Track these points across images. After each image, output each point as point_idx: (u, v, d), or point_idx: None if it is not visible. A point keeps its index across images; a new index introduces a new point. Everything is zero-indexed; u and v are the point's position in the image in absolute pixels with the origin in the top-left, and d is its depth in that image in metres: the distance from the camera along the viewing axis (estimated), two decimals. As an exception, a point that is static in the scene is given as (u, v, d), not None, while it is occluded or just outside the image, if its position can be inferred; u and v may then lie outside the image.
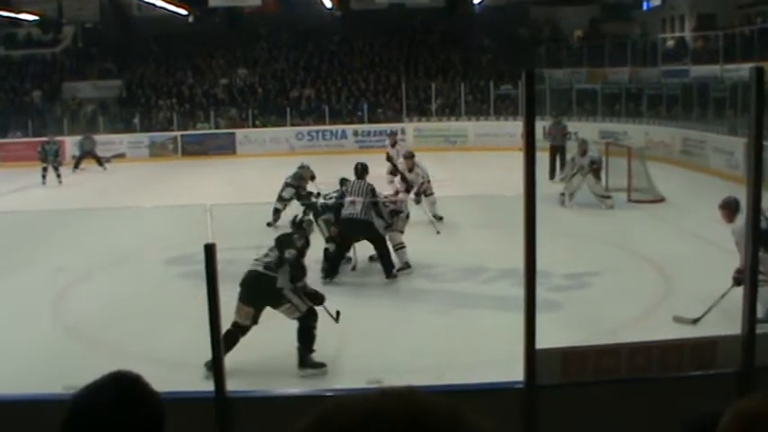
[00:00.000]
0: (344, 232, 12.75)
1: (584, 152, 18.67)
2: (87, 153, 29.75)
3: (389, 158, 18.48)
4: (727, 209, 10.13)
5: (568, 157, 20.60)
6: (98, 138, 31.97)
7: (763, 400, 1.43)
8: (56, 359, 9.18)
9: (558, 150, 22.92)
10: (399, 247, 12.90)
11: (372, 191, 13.09)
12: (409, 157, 17.16)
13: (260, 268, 9.37)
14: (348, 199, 12.85)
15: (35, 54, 39.14)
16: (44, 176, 25.55)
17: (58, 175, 25.61)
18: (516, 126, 26.55)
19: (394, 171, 17.59)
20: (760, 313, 10.30)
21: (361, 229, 12.74)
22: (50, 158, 25.82)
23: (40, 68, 38.54)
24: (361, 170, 13.79)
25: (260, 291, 9.20)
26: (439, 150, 29.58)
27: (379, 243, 12.66)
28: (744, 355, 5.03)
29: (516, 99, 32.02)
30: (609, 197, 18.37)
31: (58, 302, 11.81)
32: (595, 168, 18.37)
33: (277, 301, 9.22)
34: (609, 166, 19.95)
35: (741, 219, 9.10)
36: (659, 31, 35.83)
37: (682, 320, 9.67)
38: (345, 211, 12.78)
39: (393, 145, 20.26)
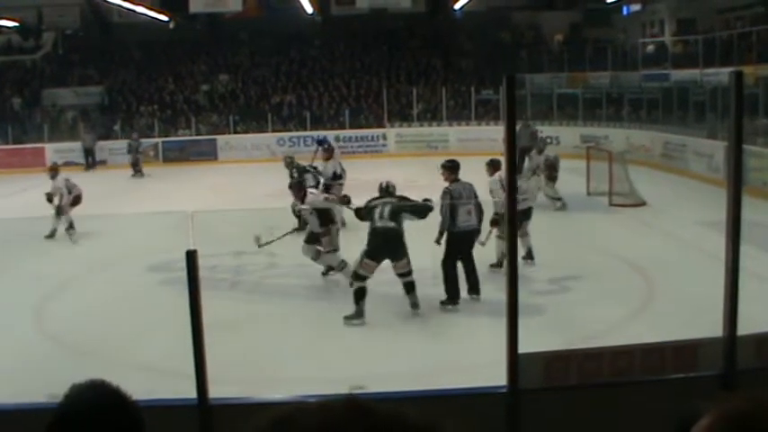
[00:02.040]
0: (460, 246, 11.47)
1: (540, 151, 18.82)
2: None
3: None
4: (492, 166, 13.27)
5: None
6: (77, 144, 32.11)
7: (749, 401, 1.43)
8: (38, 367, 9.12)
9: (525, 151, 23.32)
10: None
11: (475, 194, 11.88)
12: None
13: (392, 224, 10.13)
14: (465, 207, 11.48)
15: (15, 60, 38.90)
16: (137, 171, 29.04)
17: (141, 171, 28.13)
18: (498, 131, 26.56)
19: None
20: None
21: (472, 243, 11.70)
22: (133, 154, 29.25)
23: (20, 75, 38.32)
24: (456, 167, 12.13)
25: (393, 245, 10.22)
26: (420, 155, 29.63)
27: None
28: (725, 357, 5.05)
29: (497, 104, 32.09)
30: (559, 199, 18.42)
31: (39, 310, 11.75)
32: (549, 165, 18.42)
33: (402, 253, 10.54)
34: (590, 170, 20.04)
35: (497, 174, 12.82)
36: (639, 36, 36.00)
37: None
38: (462, 222, 11.43)
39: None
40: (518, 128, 24.07)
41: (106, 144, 33.24)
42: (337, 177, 17.52)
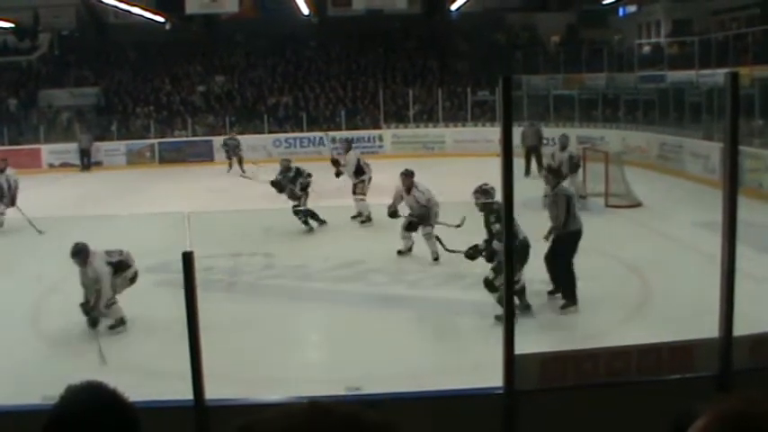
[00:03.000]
0: (574, 245, 11.24)
1: (563, 147, 18.87)
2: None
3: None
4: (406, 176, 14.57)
5: (549, 152, 20.98)
6: (74, 146, 32.12)
7: (744, 401, 1.43)
8: (33, 369, 9.12)
9: (532, 150, 24.16)
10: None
11: None
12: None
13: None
14: (575, 208, 11.48)
15: (11, 61, 38.80)
16: (230, 166, 28.58)
17: (243, 170, 27.27)
18: (494, 132, 26.59)
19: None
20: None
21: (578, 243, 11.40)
22: (232, 153, 28.82)
23: (16, 76, 38.23)
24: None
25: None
26: (416, 157, 29.61)
27: None
28: (721, 358, 5.06)
29: (494, 105, 32.14)
30: (584, 197, 18.48)
31: (35, 312, 11.74)
32: (575, 163, 18.54)
33: None
34: (586, 171, 20.05)
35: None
36: (635, 37, 36.03)
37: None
38: (576, 221, 11.31)
39: (1, 171, 19.19)
40: (524, 127, 24.83)
41: (102, 145, 33.19)
42: (361, 173, 18.10)
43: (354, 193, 18.00)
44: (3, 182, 18.55)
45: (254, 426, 1.26)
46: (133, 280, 11.20)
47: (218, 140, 33.16)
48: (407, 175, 14.49)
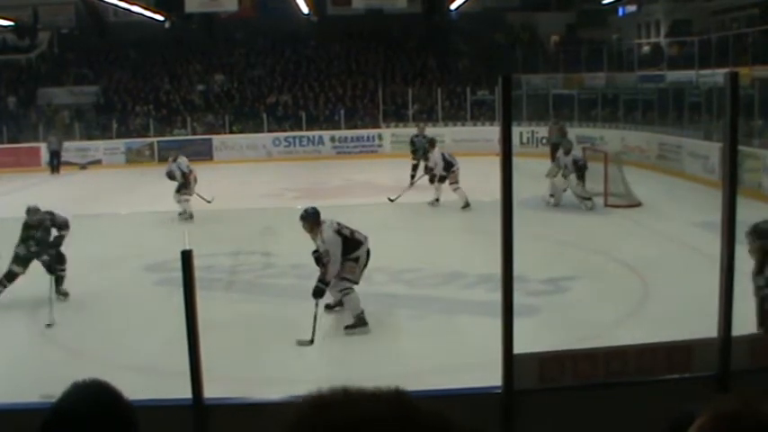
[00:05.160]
0: None
1: (567, 151, 18.90)
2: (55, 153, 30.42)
3: None
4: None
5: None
6: (73, 144, 32.09)
7: (742, 401, 1.44)
8: (32, 367, 9.12)
9: (556, 148, 24.30)
10: None
11: None
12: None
13: None
14: None
15: (10, 60, 38.81)
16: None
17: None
18: (493, 131, 26.60)
19: None
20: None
21: None
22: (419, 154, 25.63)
23: (16, 74, 38.24)
24: None
25: None
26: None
27: None
28: (720, 358, 5.06)
29: (493, 104, 32.13)
30: (589, 199, 18.52)
31: (34, 310, 11.73)
32: (580, 166, 18.57)
33: None
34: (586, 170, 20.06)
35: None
36: (635, 37, 36.04)
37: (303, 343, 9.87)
38: None
39: (174, 160, 19.66)
40: (549, 125, 25.73)
41: (102, 144, 33.22)
42: (450, 165, 19.19)
43: (450, 183, 19.11)
44: (175, 169, 18.84)
45: (331, 405, 1.22)
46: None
47: (217, 139, 33.19)
48: None
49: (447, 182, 19.18)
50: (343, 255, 10.29)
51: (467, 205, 18.75)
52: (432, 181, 19.59)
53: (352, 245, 10.41)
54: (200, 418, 4.82)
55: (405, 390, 1.26)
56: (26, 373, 8.73)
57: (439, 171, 19.27)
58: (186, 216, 18.48)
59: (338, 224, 10.52)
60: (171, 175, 18.91)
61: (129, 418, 2.07)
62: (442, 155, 19.53)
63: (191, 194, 18.82)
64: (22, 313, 11.52)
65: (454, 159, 19.35)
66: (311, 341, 9.85)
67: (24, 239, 12.11)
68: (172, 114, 35.36)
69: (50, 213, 12.33)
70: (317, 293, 10.17)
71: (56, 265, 12.05)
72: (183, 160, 19.16)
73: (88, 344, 10.22)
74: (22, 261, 12.05)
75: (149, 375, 8.53)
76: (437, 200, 19.45)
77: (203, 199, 18.84)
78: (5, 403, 5.45)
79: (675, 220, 16.81)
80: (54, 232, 12.29)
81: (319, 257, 10.47)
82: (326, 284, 10.29)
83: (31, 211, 12.24)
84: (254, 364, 9.35)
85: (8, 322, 11.12)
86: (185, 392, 4.87)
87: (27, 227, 12.17)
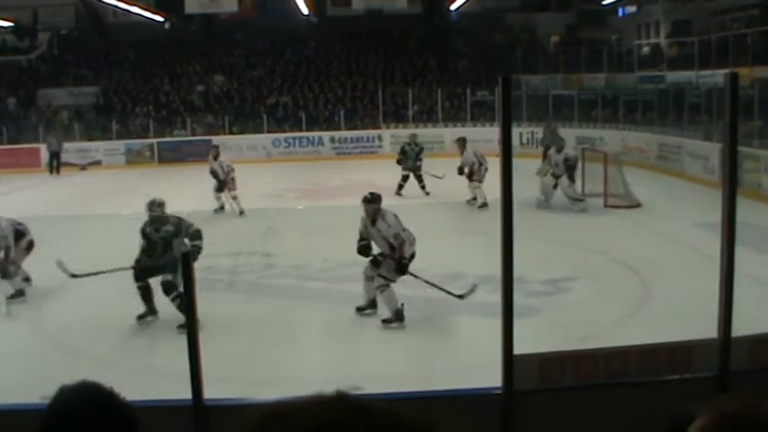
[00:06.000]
0: None
1: (560, 149, 18.89)
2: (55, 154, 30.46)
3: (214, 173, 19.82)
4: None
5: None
6: (73, 145, 32.09)
7: (743, 402, 1.44)
8: (33, 368, 9.11)
9: (548, 150, 24.67)
10: None
11: None
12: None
13: None
14: None
15: (10, 61, 38.83)
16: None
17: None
18: (493, 132, 26.59)
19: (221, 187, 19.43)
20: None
21: None
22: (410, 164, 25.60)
23: (15, 75, 38.26)
24: None
25: None
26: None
27: None
28: (720, 359, 5.06)
29: (493, 105, 32.15)
30: (581, 200, 18.52)
31: (35, 311, 11.73)
32: (570, 166, 18.52)
33: None
34: (585, 171, 20.07)
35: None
36: (635, 38, 36.04)
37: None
38: None
39: (215, 158, 20.32)
40: (543, 128, 25.90)
41: (101, 145, 33.23)
42: (480, 164, 19.44)
43: (473, 180, 19.42)
44: (217, 167, 19.54)
45: (284, 415, 1.21)
46: (29, 249, 12.40)
47: (217, 140, 33.11)
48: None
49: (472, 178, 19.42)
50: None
51: (484, 204, 18.75)
52: (470, 178, 19.64)
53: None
54: (201, 418, 4.82)
55: (347, 392, 1.24)
56: (26, 374, 8.73)
57: (475, 169, 19.43)
58: (236, 211, 19.02)
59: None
60: (215, 174, 19.56)
61: (130, 419, 2.06)
62: (474, 153, 19.74)
63: (232, 190, 19.26)
64: (21, 313, 11.51)
65: (484, 159, 19.44)
66: (462, 296, 10.70)
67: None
68: (172, 115, 35.37)
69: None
70: (406, 268, 10.68)
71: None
72: (224, 159, 19.85)
73: (89, 344, 10.21)
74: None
75: (149, 376, 8.53)
76: (475, 198, 19.51)
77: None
78: (5, 404, 5.45)
79: (675, 220, 16.81)
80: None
81: (367, 245, 10.84)
82: (409, 261, 10.71)
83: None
84: (255, 364, 9.35)
85: (9, 323, 11.11)
86: (185, 393, 4.87)
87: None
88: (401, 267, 10.61)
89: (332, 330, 10.72)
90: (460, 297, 10.68)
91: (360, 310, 11.02)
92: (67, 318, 11.42)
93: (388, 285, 10.60)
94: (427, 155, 27.16)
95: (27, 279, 12.29)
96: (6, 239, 11.99)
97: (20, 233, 12.31)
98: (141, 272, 10.86)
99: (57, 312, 11.74)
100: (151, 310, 10.80)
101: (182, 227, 10.96)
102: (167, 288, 10.53)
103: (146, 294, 10.80)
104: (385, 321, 10.55)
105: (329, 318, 11.17)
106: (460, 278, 12.65)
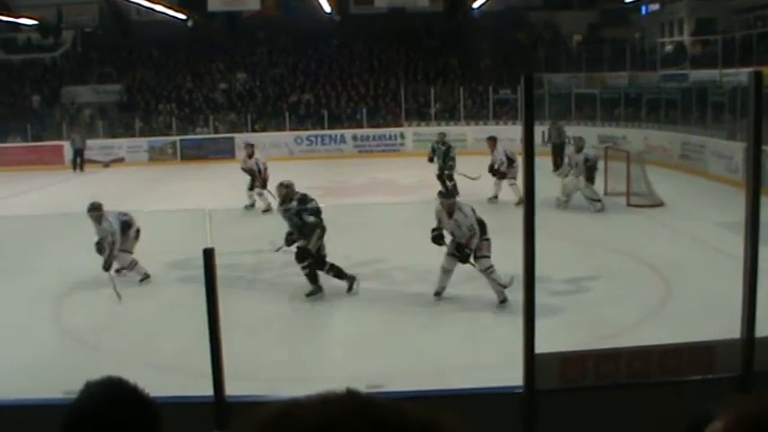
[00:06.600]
0: None
1: (579, 149, 18.79)
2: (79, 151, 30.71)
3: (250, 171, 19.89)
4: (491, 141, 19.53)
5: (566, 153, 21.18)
6: (97, 142, 32.28)
7: (760, 403, 1.43)
8: (56, 364, 9.17)
9: (557, 148, 25.26)
10: None
11: None
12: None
13: None
14: None
15: (35, 59, 39.14)
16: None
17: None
18: (515, 130, 26.53)
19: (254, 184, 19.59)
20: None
21: None
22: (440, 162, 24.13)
23: (40, 73, 38.53)
24: None
25: None
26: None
27: None
28: (743, 359, 5.03)
29: (515, 104, 32.07)
30: (599, 200, 18.42)
31: (58, 307, 11.80)
32: (590, 166, 18.44)
33: None
34: (608, 170, 19.97)
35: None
36: (658, 36, 35.84)
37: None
38: None
39: (250, 156, 20.38)
40: (548, 127, 25.63)
41: (125, 142, 33.42)
42: (511, 162, 19.39)
43: (506, 177, 19.43)
44: (254, 165, 19.72)
45: (291, 414, 1.22)
46: (137, 237, 13.25)
47: (239, 138, 33.25)
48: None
49: (506, 178, 19.44)
50: (480, 235, 11.34)
51: (521, 202, 18.51)
52: (501, 177, 19.70)
53: (484, 227, 11.51)
54: (222, 415, 4.85)
55: (356, 390, 1.24)
56: (49, 370, 8.78)
57: (504, 168, 19.50)
58: (264, 208, 19.19)
59: None
60: (251, 171, 19.75)
61: (153, 415, 2.08)
62: (504, 151, 19.79)
63: (263, 188, 19.32)
64: (45, 310, 11.58)
65: (515, 156, 19.16)
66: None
67: None
68: (194, 113, 35.49)
69: None
70: (468, 258, 11.32)
71: None
72: (260, 156, 20.12)
73: (111, 340, 10.27)
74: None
75: (171, 372, 8.57)
76: (495, 197, 19.54)
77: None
78: (30, 399, 5.50)
79: (698, 220, 16.71)
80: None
81: (440, 235, 11.57)
82: (472, 251, 11.30)
83: None
84: (276, 361, 9.36)
85: (32, 319, 11.18)
86: (207, 390, 4.89)
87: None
88: (464, 256, 11.28)
89: (353, 328, 10.73)
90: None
91: (437, 294, 11.66)
92: (90, 313, 11.49)
93: (493, 268, 11.27)
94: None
95: (136, 264, 13.12)
96: (114, 235, 12.67)
97: (126, 224, 13.07)
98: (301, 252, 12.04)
99: (79, 308, 11.81)
100: (317, 288, 11.89)
101: (306, 200, 12.47)
102: (300, 256, 12.00)
103: (311, 274, 11.93)
104: (501, 302, 11.15)
105: (351, 315, 11.17)
106: (482, 277, 12.62)
